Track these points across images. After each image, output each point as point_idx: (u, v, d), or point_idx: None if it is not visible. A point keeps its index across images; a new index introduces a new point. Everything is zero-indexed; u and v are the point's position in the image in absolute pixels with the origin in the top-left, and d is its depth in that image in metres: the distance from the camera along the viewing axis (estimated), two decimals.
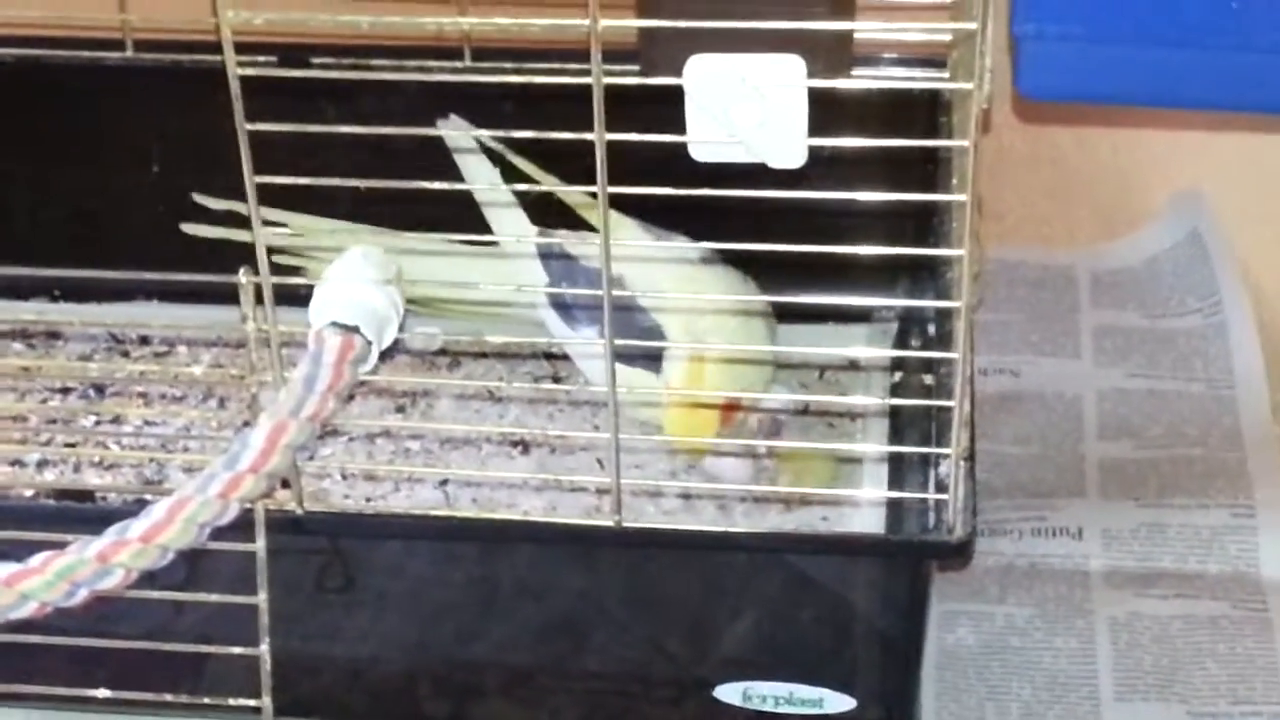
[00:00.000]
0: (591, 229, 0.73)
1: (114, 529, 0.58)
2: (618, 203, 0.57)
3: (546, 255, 0.74)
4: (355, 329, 0.60)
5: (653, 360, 0.72)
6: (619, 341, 0.58)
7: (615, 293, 0.57)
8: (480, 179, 0.75)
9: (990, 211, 0.93)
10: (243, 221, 0.59)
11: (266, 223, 0.58)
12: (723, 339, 0.72)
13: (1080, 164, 0.93)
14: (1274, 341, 0.89)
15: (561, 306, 0.75)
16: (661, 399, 0.72)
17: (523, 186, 0.72)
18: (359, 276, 0.62)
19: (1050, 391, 0.86)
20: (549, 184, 0.72)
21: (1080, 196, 0.94)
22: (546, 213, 0.75)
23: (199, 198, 0.80)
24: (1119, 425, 0.84)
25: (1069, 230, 0.95)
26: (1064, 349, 0.88)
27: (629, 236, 0.71)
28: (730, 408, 0.72)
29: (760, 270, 0.73)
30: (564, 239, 0.74)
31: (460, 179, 0.74)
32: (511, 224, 0.75)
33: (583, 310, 0.74)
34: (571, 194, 0.73)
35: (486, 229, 0.75)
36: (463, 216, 0.74)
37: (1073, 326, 0.89)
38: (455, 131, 0.75)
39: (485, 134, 0.75)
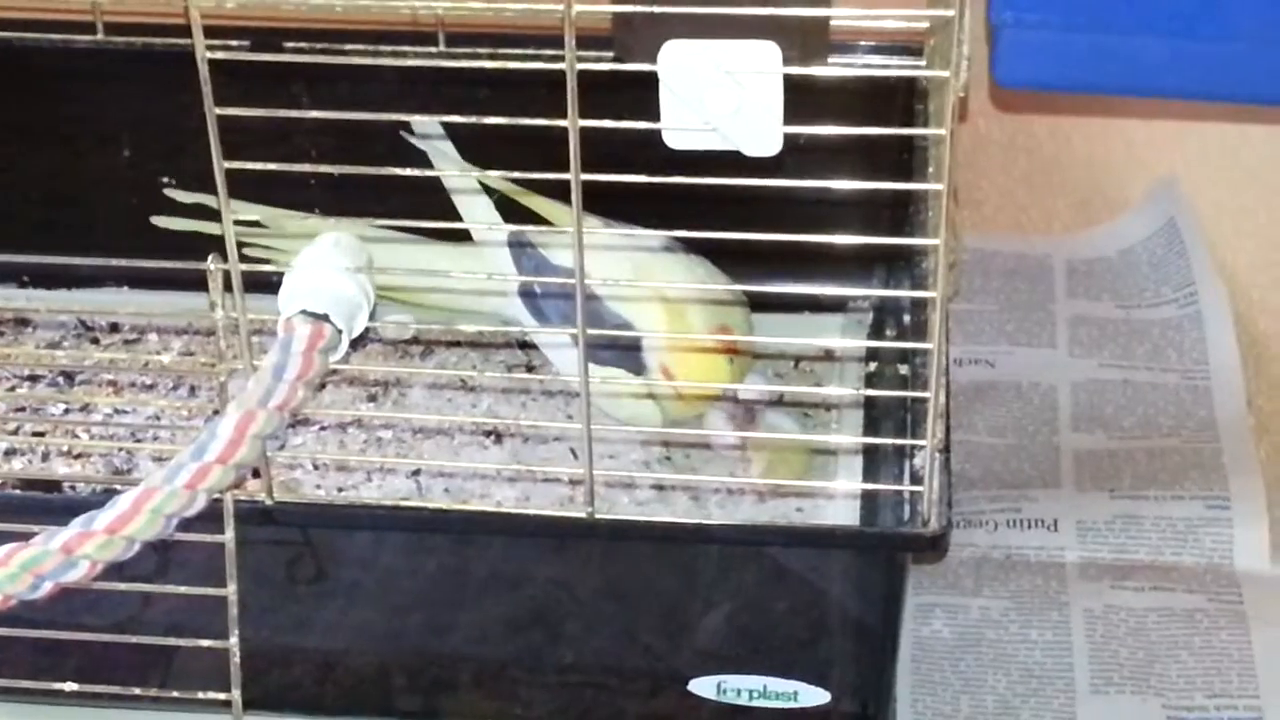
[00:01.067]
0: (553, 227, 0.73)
1: (79, 520, 0.57)
2: (587, 191, 0.56)
3: (516, 245, 0.74)
4: (325, 317, 0.60)
5: (628, 357, 0.71)
6: (591, 332, 0.58)
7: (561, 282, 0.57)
8: (450, 168, 0.74)
9: (966, 200, 0.93)
10: (213, 214, 0.58)
11: (237, 222, 0.57)
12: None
13: (1056, 153, 0.93)
14: (1249, 332, 0.89)
15: (530, 298, 0.74)
16: (637, 391, 0.71)
17: (494, 174, 0.71)
18: (329, 264, 0.61)
19: (1025, 382, 0.86)
20: (519, 188, 0.72)
21: (1056, 185, 0.94)
22: (513, 217, 0.75)
23: (169, 190, 0.79)
24: (1093, 416, 0.84)
25: (1045, 219, 0.95)
26: (1039, 339, 0.88)
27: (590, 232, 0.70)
28: (728, 350, 0.72)
29: (735, 259, 0.72)
30: (533, 232, 0.74)
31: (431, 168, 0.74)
32: (482, 214, 0.75)
33: (551, 303, 0.74)
34: (536, 200, 0.73)
35: (458, 219, 0.74)
36: (435, 205, 0.73)
37: (1048, 316, 0.89)
38: (426, 118, 0.75)
39: (455, 119, 0.74)
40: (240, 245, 0.58)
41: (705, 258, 0.73)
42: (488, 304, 0.76)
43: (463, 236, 0.76)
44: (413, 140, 0.75)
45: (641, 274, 0.72)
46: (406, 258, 0.75)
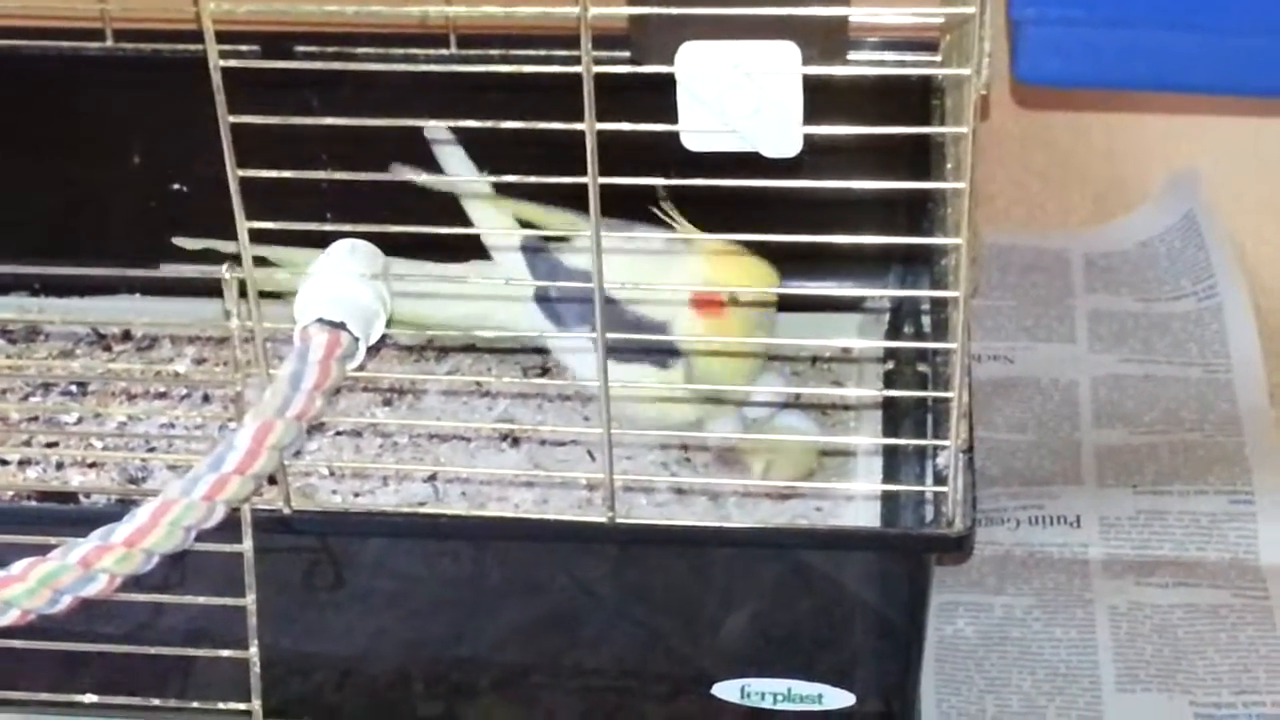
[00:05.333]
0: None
1: (97, 533, 0.57)
2: (603, 194, 0.56)
3: (530, 250, 0.73)
4: (342, 325, 0.59)
5: (653, 356, 0.71)
6: (612, 336, 0.57)
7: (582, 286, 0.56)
8: (461, 173, 0.74)
9: (982, 194, 0.92)
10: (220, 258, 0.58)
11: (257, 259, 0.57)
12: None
13: (1073, 146, 0.92)
14: (1270, 325, 0.88)
15: (547, 303, 0.73)
16: (668, 393, 0.70)
17: (509, 178, 0.71)
18: (345, 271, 0.61)
19: (1045, 378, 0.85)
20: (537, 212, 0.72)
21: (1074, 179, 0.93)
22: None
23: (178, 240, 0.78)
24: (1115, 411, 0.83)
25: (1062, 213, 0.94)
26: (1058, 334, 0.88)
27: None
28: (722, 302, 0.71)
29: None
30: (543, 237, 0.73)
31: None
32: (494, 221, 0.74)
33: (568, 307, 0.73)
34: (550, 214, 0.72)
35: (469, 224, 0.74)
36: (449, 210, 0.73)
37: (1067, 311, 0.89)
38: (438, 123, 0.74)
39: (469, 123, 0.74)
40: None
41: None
42: (500, 316, 0.75)
43: (470, 251, 0.75)
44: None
45: (662, 274, 0.71)
46: (415, 284, 0.74)
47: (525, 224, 0.74)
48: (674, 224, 0.68)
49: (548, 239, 0.73)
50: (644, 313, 0.71)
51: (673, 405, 0.71)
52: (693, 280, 0.69)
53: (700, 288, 0.69)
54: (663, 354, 0.71)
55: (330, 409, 0.60)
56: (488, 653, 0.67)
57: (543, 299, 0.73)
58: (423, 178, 0.69)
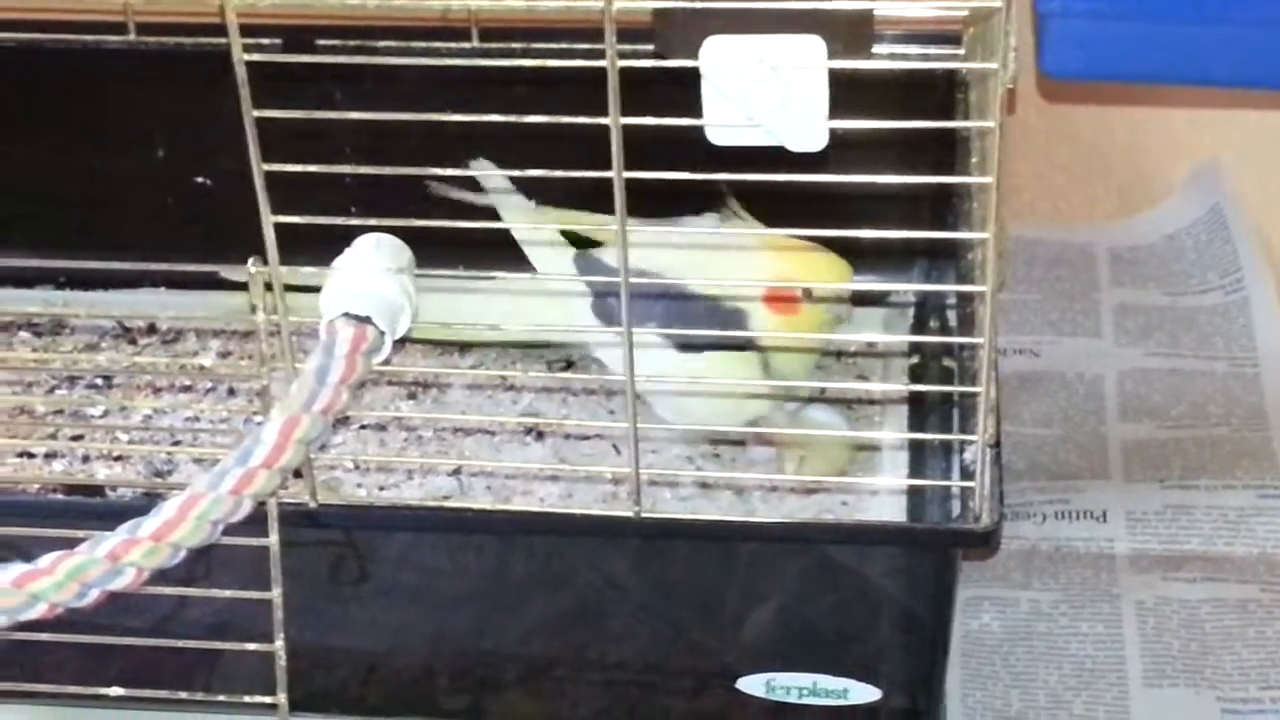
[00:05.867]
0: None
1: (124, 527, 0.57)
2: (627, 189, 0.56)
3: (581, 260, 0.73)
4: (368, 320, 0.59)
5: (727, 348, 0.70)
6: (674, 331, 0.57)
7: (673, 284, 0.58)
8: (510, 209, 0.74)
9: (1006, 188, 0.92)
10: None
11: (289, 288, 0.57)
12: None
13: (1097, 139, 0.92)
14: None
15: (601, 304, 0.73)
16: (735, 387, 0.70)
17: (534, 172, 0.71)
18: (371, 265, 0.60)
19: (1071, 372, 0.85)
20: (578, 218, 0.72)
21: (1098, 172, 0.93)
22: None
23: (224, 270, 0.77)
24: (1141, 405, 0.83)
25: (1087, 207, 0.94)
26: (1084, 328, 0.87)
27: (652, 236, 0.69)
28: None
29: None
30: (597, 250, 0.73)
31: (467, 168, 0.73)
32: (548, 252, 0.73)
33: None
34: (591, 219, 0.72)
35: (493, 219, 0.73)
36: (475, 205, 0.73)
37: (1092, 305, 0.88)
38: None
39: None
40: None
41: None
42: (555, 322, 0.73)
43: (498, 247, 0.74)
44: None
45: (734, 268, 0.71)
46: (468, 305, 0.71)
47: (567, 236, 0.74)
48: (741, 218, 0.68)
49: (594, 243, 0.73)
50: (719, 305, 0.70)
51: (748, 399, 0.71)
52: (765, 276, 0.69)
53: (775, 284, 0.69)
54: (735, 348, 0.70)
55: (355, 403, 0.60)
56: (512, 647, 0.67)
57: (599, 303, 0.73)
58: (448, 171, 0.69)
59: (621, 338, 0.57)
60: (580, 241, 0.74)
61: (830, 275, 0.69)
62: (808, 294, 0.70)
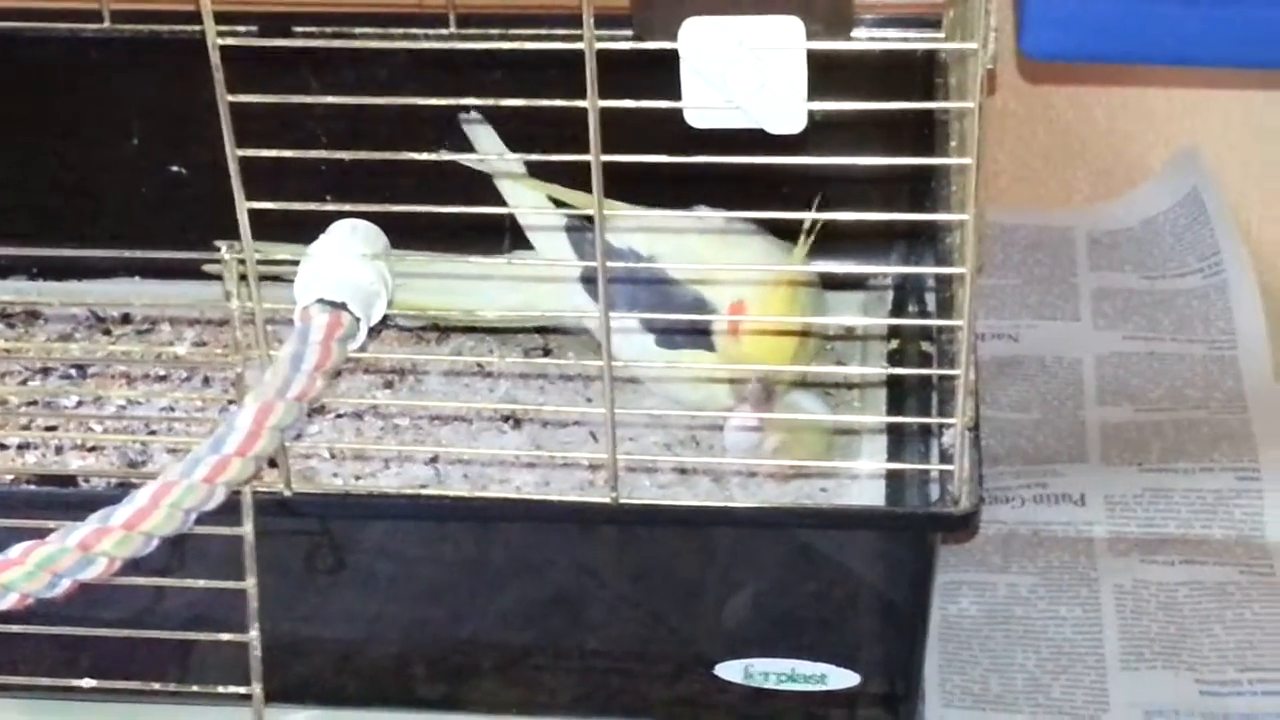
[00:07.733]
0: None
1: (96, 516, 0.56)
2: (605, 172, 0.55)
3: (575, 231, 0.73)
4: (343, 306, 0.59)
5: (702, 336, 0.70)
6: (652, 316, 0.57)
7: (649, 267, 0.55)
8: (491, 152, 0.73)
9: (985, 172, 0.92)
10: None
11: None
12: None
13: (1076, 123, 0.92)
14: (1276, 301, 0.88)
15: (593, 284, 0.72)
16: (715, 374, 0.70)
17: (513, 156, 0.70)
18: (346, 251, 0.60)
19: (1049, 355, 0.85)
20: (569, 194, 0.71)
21: (1076, 156, 0.93)
22: None
23: (207, 267, 0.76)
24: (1119, 389, 0.83)
25: (1065, 191, 0.94)
26: (1062, 312, 0.87)
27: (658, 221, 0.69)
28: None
29: None
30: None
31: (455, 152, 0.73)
32: (533, 202, 0.73)
33: (616, 288, 0.72)
34: (582, 197, 0.72)
35: (478, 204, 0.73)
36: (452, 190, 0.72)
37: (1071, 289, 0.88)
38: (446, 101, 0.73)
39: (471, 101, 0.73)
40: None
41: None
42: (547, 300, 0.74)
43: (476, 232, 0.74)
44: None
45: (718, 254, 0.70)
46: (454, 278, 0.72)
47: (559, 205, 0.73)
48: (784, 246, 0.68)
49: (587, 219, 0.73)
50: (705, 294, 0.70)
51: (718, 387, 0.71)
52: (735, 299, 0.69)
53: (757, 268, 0.69)
54: (709, 335, 0.70)
55: (331, 391, 0.59)
56: (489, 635, 0.67)
57: (588, 279, 0.73)
58: (455, 156, 0.69)
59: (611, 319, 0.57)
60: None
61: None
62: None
